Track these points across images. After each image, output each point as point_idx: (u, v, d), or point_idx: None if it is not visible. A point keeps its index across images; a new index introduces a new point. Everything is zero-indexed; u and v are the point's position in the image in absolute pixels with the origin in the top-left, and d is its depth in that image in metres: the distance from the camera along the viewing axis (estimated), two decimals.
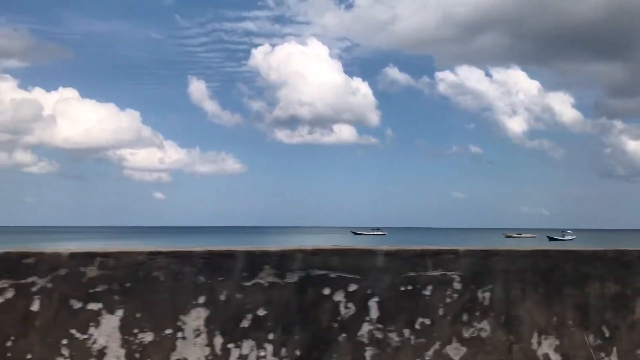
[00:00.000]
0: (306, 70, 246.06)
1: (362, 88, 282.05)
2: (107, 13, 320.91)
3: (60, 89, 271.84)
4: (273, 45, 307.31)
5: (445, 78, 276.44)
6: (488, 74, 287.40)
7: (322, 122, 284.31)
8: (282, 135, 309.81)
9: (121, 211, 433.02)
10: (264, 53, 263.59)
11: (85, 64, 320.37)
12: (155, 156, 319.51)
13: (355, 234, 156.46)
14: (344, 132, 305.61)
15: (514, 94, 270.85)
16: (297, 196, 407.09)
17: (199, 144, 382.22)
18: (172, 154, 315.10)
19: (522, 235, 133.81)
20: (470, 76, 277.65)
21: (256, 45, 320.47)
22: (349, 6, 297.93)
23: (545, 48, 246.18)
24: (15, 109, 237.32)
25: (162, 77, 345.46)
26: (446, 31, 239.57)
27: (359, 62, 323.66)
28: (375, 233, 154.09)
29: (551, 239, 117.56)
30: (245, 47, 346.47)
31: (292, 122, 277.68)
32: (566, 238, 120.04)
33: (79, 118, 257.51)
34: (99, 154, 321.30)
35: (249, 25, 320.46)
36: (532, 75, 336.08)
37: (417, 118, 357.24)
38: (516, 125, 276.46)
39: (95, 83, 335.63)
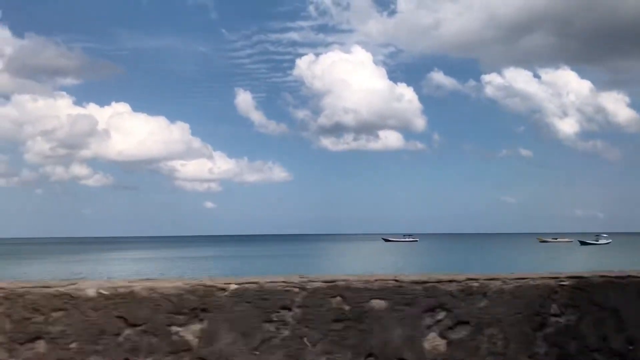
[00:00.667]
0: (350, 78, 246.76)
1: (407, 93, 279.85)
2: (157, 29, 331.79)
3: (113, 103, 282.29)
4: (317, 55, 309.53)
5: (492, 81, 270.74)
6: (536, 75, 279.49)
7: (367, 128, 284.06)
8: (328, 142, 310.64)
9: (173, 221, 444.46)
10: (308, 62, 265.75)
11: (136, 79, 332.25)
12: (205, 167, 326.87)
13: (386, 240, 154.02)
14: (390, 138, 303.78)
15: (565, 94, 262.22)
16: (343, 203, 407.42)
17: (247, 153, 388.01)
18: (222, 164, 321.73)
19: (558, 239, 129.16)
20: (517, 78, 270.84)
21: (300, 55, 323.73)
22: (392, 12, 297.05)
23: (596, 46, 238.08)
24: (71, 125, 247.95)
25: (211, 89, 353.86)
26: (491, 33, 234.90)
27: (403, 68, 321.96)
28: (406, 239, 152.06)
29: (583, 243, 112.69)
30: (290, 57, 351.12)
31: (337, 129, 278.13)
32: (600, 242, 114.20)
33: (132, 131, 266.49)
34: (151, 166, 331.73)
35: (294, 35, 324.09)
36: (582, 75, 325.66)
37: (465, 122, 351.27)
38: (568, 126, 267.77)
39: (146, 97, 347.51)
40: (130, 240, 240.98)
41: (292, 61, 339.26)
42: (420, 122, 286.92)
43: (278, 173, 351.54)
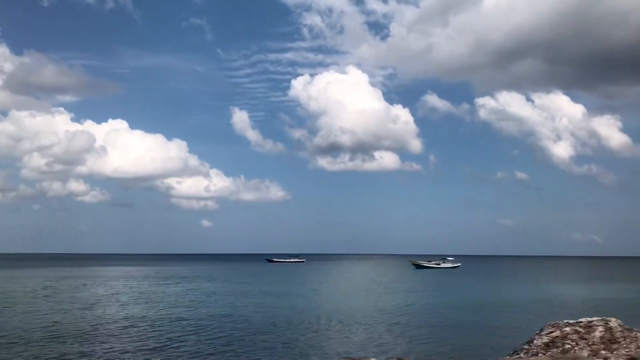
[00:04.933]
0: (346, 98, 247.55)
1: (403, 115, 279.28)
2: (156, 48, 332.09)
3: (110, 120, 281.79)
4: (312, 75, 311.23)
5: (486, 104, 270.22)
6: (529, 99, 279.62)
7: (363, 149, 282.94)
8: (324, 162, 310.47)
9: (170, 238, 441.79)
10: (304, 83, 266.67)
11: (135, 96, 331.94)
12: (201, 184, 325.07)
13: (270, 261, 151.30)
14: (386, 159, 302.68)
15: (558, 118, 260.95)
16: (339, 223, 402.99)
17: (244, 172, 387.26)
18: (218, 182, 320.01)
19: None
20: (510, 101, 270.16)
21: (298, 75, 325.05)
22: (385, 36, 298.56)
23: (587, 72, 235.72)
24: (69, 141, 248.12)
25: (208, 108, 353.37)
26: (481, 57, 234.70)
27: (399, 90, 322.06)
28: (292, 260, 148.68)
29: (419, 267, 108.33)
30: (289, 77, 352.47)
31: (333, 149, 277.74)
32: (442, 266, 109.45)
33: (128, 148, 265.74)
34: (147, 183, 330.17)
35: (293, 55, 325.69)
36: (575, 99, 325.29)
37: (460, 144, 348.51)
38: (562, 150, 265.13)
39: (144, 114, 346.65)
40: (127, 258, 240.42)
41: (290, 81, 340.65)
42: (416, 144, 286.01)
43: (275, 192, 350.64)
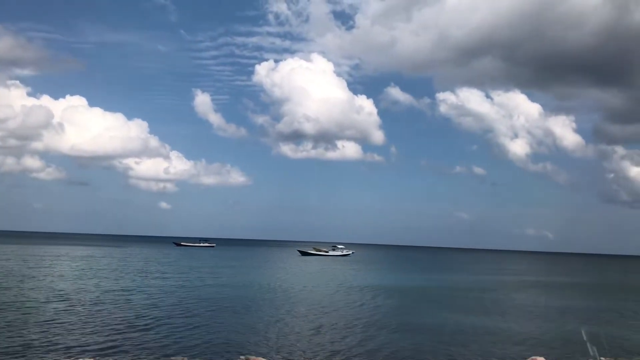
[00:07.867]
0: (310, 86, 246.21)
1: (367, 106, 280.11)
2: (119, 24, 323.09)
3: (68, 96, 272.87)
4: (276, 61, 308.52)
5: (446, 99, 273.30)
6: (488, 96, 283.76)
7: (326, 137, 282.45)
8: (287, 149, 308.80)
9: (127, 219, 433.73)
10: (268, 69, 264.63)
11: (96, 73, 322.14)
12: (161, 166, 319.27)
13: (177, 244, 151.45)
14: (348, 149, 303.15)
15: (515, 116, 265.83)
16: (301, 211, 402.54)
17: (205, 155, 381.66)
18: (178, 165, 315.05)
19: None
20: (470, 97, 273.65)
21: (264, 60, 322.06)
22: (350, 27, 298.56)
23: (543, 73, 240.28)
24: (25, 116, 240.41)
25: (171, 88, 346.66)
26: (443, 54, 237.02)
27: (362, 81, 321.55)
28: (202, 244, 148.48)
29: (304, 253, 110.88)
30: (255, 62, 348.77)
31: (296, 137, 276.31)
32: (331, 253, 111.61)
33: (87, 126, 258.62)
34: (105, 162, 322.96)
35: (259, 40, 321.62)
36: (532, 99, 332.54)
37: (421, 138, 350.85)
38: (518, 147, 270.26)
39: (105, 92, 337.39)
40: (82, 237, 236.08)
41: (255, 66, 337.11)
42: (378, 135, 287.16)
43: (236, 177, 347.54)
